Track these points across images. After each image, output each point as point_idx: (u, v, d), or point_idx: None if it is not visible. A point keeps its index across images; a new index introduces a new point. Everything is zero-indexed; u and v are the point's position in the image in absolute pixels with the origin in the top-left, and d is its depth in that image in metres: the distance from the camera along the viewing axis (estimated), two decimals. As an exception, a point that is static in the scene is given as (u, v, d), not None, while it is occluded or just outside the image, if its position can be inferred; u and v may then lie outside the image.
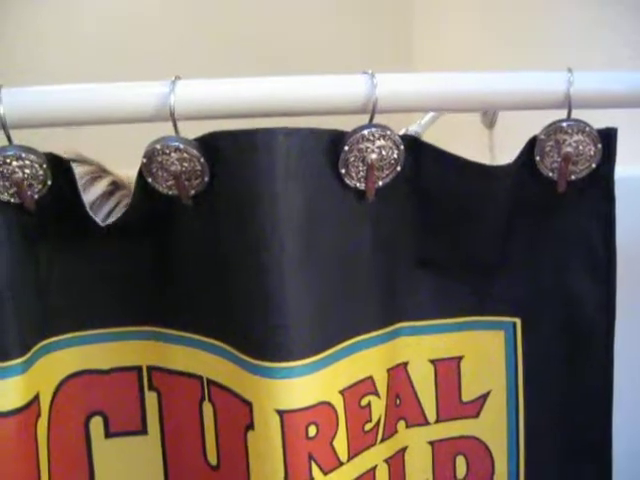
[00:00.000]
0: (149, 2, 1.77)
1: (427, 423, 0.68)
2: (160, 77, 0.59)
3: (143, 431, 0.68)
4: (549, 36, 1.12)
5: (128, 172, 0.76)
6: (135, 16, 1.76)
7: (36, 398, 0.61)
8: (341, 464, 0.61)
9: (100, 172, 0.74)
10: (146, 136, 0.59)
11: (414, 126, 1.04)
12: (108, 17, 1.76)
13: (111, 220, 0.62)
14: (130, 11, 1.77)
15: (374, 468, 0.65)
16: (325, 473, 0.60)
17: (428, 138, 0.73)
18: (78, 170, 0.60)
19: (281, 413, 0.57)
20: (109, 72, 0.79)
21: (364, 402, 0.63)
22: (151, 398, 0.67)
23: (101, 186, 0.72)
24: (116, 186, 0.73)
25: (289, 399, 0.57)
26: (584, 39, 1.02)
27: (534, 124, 0.63)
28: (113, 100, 0.57)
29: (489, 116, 1.05)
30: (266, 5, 1.78)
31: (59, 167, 0.59)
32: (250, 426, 0.60)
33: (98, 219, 0.61)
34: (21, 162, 0.57)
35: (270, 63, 1.25)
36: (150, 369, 0.67)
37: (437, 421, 0.68)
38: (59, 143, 0.63)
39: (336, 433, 0.60)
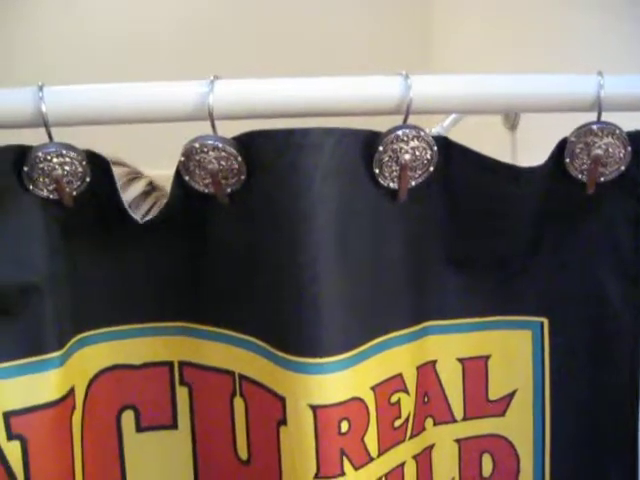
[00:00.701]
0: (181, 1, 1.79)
1: (454, 421, 0.69)
2: (192, 76, 0.60)
3: (173, 425, 0.69)
4: (567, 39, 1.12)
5: (161, 172, 0.78)
6: (167, 15, 1.77)
7: (72, 391, 0.63)
8: (371, 460, 0.62)
9: (136, 174, 0.76)
10: (172, 136, 0.60)
11: (437, 127, 1.05)
12: (141, 16, 1.77)
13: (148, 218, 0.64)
14: (163, 10, 1.78)
15: (402, 464, 0.66)
16: (356, 468, 0.60)
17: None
18: (116, 171, 0.61)
19: (314, 408, 0.58)
20: (143, 71, 0.80)
21: (394, 399, 0.64)
22: (182, 393, 0.68)
23: (138, 187, 0.73)
24: (152, 187, 0.74)
25: (323, 394, 0.58)
26: (607, 43, 1.03)
27: (555, 126, 0.63)
28: (153, 99, 0.58)
29: (511, 118, 1.06)
30: (284, 5, 1.79)
31: (98, 164, 0.60)
32: (283, 421, 0.61)
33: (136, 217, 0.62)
34: (62, 159, 0.59)
35: (289, 63, 1.26)
36: (181, 364, 0.68)
37: (464, 419, 0.69)
38: (92, 141, 0.64)
39: (367, 429, 0.61)
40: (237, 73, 0.59)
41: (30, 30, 1.72)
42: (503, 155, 0.69)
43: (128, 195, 0.71)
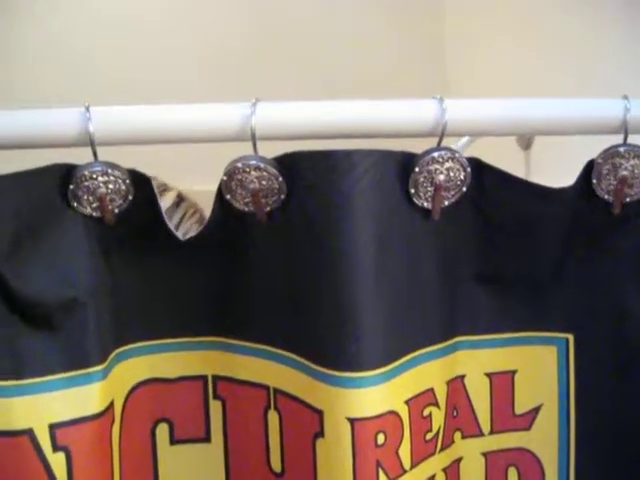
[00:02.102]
0: (216, 25, 1.81)
1: (481, 434, 0.71)
2: (225, 99, 0.62)
3: (207, 439, 0.70)
4: (585, 61, 1.15)
5: (190, 188, 0.80)
6: (204, 39, 1.79)
7: (112, 404, 0.64)
8: (405, 472, 0.63)
9: (164, 186, 0.78)
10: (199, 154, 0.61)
11: (453, 147, 1.07)
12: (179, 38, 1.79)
13: (182, 230, 0.65)
14: (200, 33, 1.80)
15: (433, 477, 0.67)
16: (391, 480, 0.62)
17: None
18: None
19: (352, 421, 0.60)
20: (190, 93, 0.82)
21: (426, 412, 0.65)
22: (216, 407, 0.70)
23: (169, 198, 0.75)
24: (181, 198, 0.76)
25: (361, 408, 0.60)
26: (623, 65, 1.05)
27: (567, 147, 0.66)
28: (197, 120, 0.61)
29: (525, 138, 1.09)
30: (304, 27, 1.82)
31: (140, 183, 0.62)
32: (320, 434, 0.62)
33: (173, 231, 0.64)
34: (106, 177, 0.60)
35: (313, 86, 1.29)
36: (215, 378, 0.69)
37: (491, 432, 0.71)
38: (121, 158, 0.65)
39: (401, 442, 0.63)
40: (259, 95, 0.61)
41: (62, 48, 1.75)
42: (517, 174, 0.71)
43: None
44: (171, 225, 0.65)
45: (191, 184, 0.78)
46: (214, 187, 0.62)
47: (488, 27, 1.54)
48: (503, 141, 1.15)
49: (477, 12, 1.62)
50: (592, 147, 0.65)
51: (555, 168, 0.70)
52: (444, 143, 0.62)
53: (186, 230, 0.79)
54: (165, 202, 0.75)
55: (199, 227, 0.69)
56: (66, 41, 1.75)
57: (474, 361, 0.69)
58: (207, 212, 0.65)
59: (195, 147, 0.63)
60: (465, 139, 1.10)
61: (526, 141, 1.08)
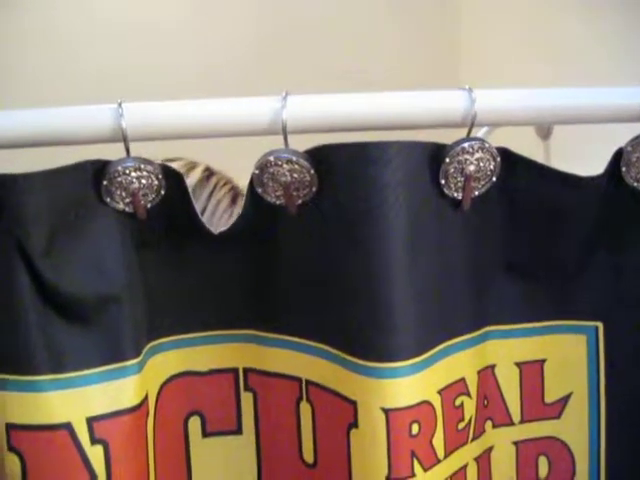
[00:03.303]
0: (238, 21, 1.82)
1: (512, 423, 0.71)
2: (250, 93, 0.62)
3: (238, 431, 0.71)
4: (592, 52, 1.15)
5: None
6: (234, 36, 1.80)
7: (146, 397, 0.64)
8: (439, 462, 0.64)
9: (192, 163, 0.79)
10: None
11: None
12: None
13: (213, 201, 0.66)
14: (229, 30, 1.81)
15: (465, 466, 0.68)
16: (425, 470, 0.62)
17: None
18: (173, 164, 0.64)
19: (387, 411, 0.60)
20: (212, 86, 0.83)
21: (458, 402, 0.66)
22: (247, 399, 0.70)
23: (196, 174, 0.76)
24: (210, 171, 0.77)
25: (395, 398, 0.60)
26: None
27: (586, 135, 0.66)
28: (228, 114, 0.61)
29: (544, 128, 1.08)
30: (312, 20, 1.82)
31: (172, 178, 0.62)
32: (354, 424, 0.63)
33: (199, 205, 0.64)
34: (139, 173, 0.61)
35: (323, 80, 1.30)
36: (247, 371, 0.70)
37: (521, 422, 0.71)
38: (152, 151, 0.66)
39: (435, 431, 0.63)
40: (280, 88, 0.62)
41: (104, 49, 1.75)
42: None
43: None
44: (198, 207, 0.66)
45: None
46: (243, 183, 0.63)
47: (502, 19, 1.54)
48: (521, 131, 1.16)
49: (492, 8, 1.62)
50: (610, 137, 0.65)
51: (574, 159, 0.70)
52: (456, 133, 0.62)
53: (218, 200, 0.79)
54: (192, 178, 0.76)
55: (231, 196, 0.69)
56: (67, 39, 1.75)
57: (504, 351, 0.69)
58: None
59: (222, 143, 0.63)
60: (484, 129, 1.10)
61: (545, 131, 1.08)
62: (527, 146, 1.16)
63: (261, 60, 1.76)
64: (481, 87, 0.62)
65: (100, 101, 0.61)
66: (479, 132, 1.07)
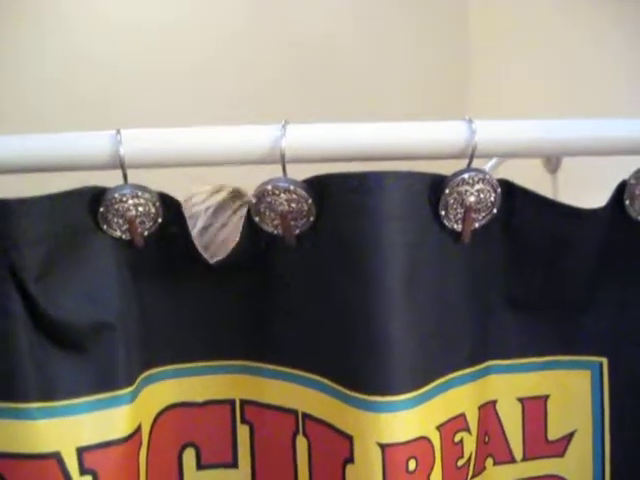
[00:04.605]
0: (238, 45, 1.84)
1: (514, 461, 0.69)
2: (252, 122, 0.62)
3: (234, 464, 0.69)
4: (602, 85, 1.14)
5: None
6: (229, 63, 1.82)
7: (139, 428, 0.63)
8: (436, 499, 0.62)
9: (220, 187, 0.82)
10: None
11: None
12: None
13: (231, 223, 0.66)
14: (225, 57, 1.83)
15: (465, 505, 0.66)
16: (422, 507, 0.61)
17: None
18: (201, 189, 0.65)
19: (383, 447, 0.59)
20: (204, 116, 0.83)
21: (457, 438, 0.64)
22: (243, 431, 0.69)
23: (222, 194, 0.79)
24: (239, 193, 0.80)
25: (392, 433, 0.59)
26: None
27: (594, 170, 0.65)
28: (226, 142, 0.61)
29: (552, 161, 1.08)
30: (321, 51, 1.84)
31: (170, 206, 0.62)
32: (349, 459, 0.61)
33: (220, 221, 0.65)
34: (136, 200, 0.61)
35: (333, 107, 1.30)
36: (243, 402, 0.69)
37: (523, 459, 0.69)
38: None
39: (433, 468, 0.62)
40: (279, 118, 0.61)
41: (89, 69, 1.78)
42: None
43: (210, 202, 0.79)
44: (214, 218, 0.66)
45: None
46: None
47: (510, 49, 1.54)
48: (530, 164, 1.15)
49: (500, 35, 1.63)
50: (620, 171, 0.64)
51: (583, 192, 0.70)
52: (473, 165, 0.61)
53: (241, 217, 0.81)
54: (218, 196, 0.81)
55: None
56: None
57: (506, 386, 0.68)
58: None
59: (220, 170, 0.63)
60: (493, 161, 1.10)
61: (553, 164, 1.07)
62: (535, 179, 1.15)
63: (268, 91, 1.77)
64: (490, 118, 0.62)
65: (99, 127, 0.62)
66: (487, 164, 1.07)
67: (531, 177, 1.12)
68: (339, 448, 0.62)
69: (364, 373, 0.59)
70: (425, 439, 0.61)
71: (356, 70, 1.82)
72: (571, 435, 0.69)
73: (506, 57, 1.58)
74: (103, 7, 1.81)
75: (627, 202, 0.64)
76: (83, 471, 0.59)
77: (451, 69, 1.82)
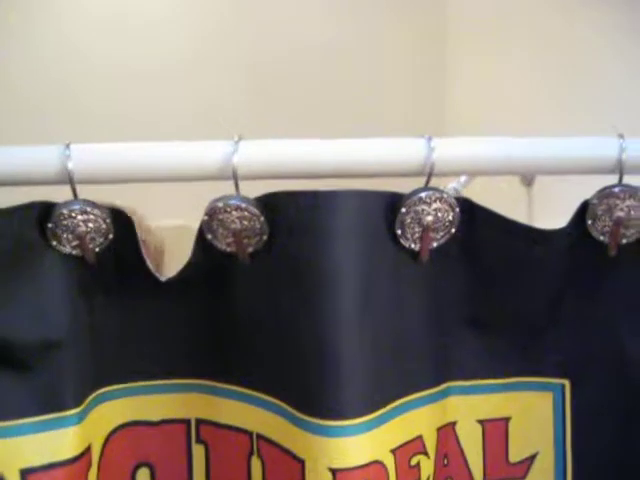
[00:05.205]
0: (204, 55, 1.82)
1: (474, 484, 0.68)
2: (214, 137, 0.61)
3: (189, 484, 0.68)
4: (584, 100, 1.13)
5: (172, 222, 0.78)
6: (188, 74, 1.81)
7: (88, 449, 0.62)
8: (391, 524, 0.61)
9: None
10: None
11: (453, 183, 1.05)
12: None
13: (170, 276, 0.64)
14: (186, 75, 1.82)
15: (422, 529, 0.65)
16: (375, 534, 0.59)
17: (466, 194, 0.74)
18: None
19: (334, 472, 0.57)
20: (172, 130, 0.81)
21: (414, 461, 0.63)
22: (198, 451, 0.67)
23: None
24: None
25: (343, 458, 0.57)
26: (627, 104, 1.03)
27: (571, 182, 0.64)
28: (178, 159, 0.59)
29: (528, 175, 1.07)
30: (304, 69, 1.83)
31: (121, 221, 0.60)
32: (301, 484, 0.60)
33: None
34: (85, 216, 0.59)
35: (309, 123, 1.29)
36: (199, 422, 0.67)
37: (484, 482, 0.68)
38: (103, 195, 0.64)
39: (387, 493, 0.60)
40: (256, 134, 0.60)
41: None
42: (519, 210, 0.69)
43: None
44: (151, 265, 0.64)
45: (158, 219, 0.76)
46: (182, 222, 0.61)
47: (490, 63, 1.53)
48: (505, 178, 1.14)
49: (479, 48, 1.62)
50: (597, 183, 0.63)
51: (559, 205, 0.68)
52: (434, 182, 0.60)
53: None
54: None
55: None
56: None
57: (466, 407, 0.67)
58: (174, 247, 0.63)
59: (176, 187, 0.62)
60: (464, 177, 1.09)
61: (527, 178, 1.07)
62: (510, 193, 1.14)
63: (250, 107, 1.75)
64: (466, 129, 0.60)
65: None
66: (460, 179, 1.06)
67: (506, 190, 1.11)
68: (291, 472, 0.60)
69: (315, 397, 0.58)
70: (379, 463, 0.59)
71: (333, 90, 1.81)
72: (533, 457, 0.68)
73: (484, 61, 1.57)
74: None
75: (589, 222, 0.63)
76: None
77: (427, 86, 1.81)
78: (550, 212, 0.67)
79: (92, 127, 0.60)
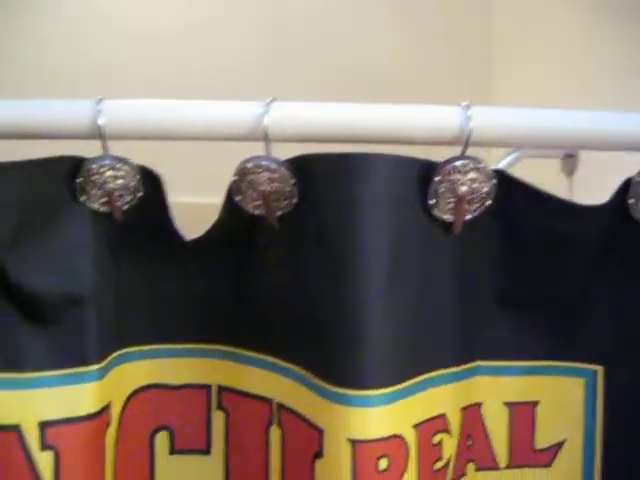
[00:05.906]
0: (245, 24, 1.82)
1: (497, 468, 0.66)
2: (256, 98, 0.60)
3: (207, 451, 0.67)
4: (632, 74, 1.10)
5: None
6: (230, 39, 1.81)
7: (108, 407, 0.62)
8: (409, 501, 0.59)
9: None
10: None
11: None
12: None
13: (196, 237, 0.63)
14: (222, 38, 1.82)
15: (440, 510, 0.63)
16: (392, 509, 0.58)
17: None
18: None
19: (354, 443, 0.56)
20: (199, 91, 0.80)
21: (436, 439, 0.61)
22: (218, 418, 0.67)
23: None
24: None
25: (363, 429, 0.56)
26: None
27: (614, 171, 0.61)
28: (209, 117, 0.58)
29: (569, 163, 1.04)
30: (352, 34, 1.81)
31: (151, 180, 0.60)
32: (319, 454, 0.59)
33: None
34: (115, 172, 0.59)
35: (353, 90, 1.27)
36: (220, 388, 0.67)
37: (507, 467, 0.66)
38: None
39: (406, 468, 0.59)
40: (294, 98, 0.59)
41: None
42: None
43: None
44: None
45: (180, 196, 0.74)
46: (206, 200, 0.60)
47: (535, 36, 1.50)
48: (547, 165, 1.11)
49: (525, 27, 1.59)
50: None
51: (601, 195, 0.66)
52: (470, 152, 0.58)
53: None
54: None
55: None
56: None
57: (493, 389, 0.65)
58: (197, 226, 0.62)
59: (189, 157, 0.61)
60: (506, 161, 1.06)
61: (570, 166, 1.04)
62: (552, 181, 1.11)
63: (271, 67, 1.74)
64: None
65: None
66: (502, 162, 1.03)
67: (548, 178, 1.08)
68: (310, 441, 0.59)
69: (338, 365, 0.57)
70: (399, 438, 0.58)
71: (377, 56, 1.79)
72: (560, 445, 0.66)
73: (531, 44, 1.54)
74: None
75: (631, 201, 0.60)
76: (44, 446, 0.57)
77: (475, 55, 1.78)
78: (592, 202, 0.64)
79: (123, 92, 0.58)
